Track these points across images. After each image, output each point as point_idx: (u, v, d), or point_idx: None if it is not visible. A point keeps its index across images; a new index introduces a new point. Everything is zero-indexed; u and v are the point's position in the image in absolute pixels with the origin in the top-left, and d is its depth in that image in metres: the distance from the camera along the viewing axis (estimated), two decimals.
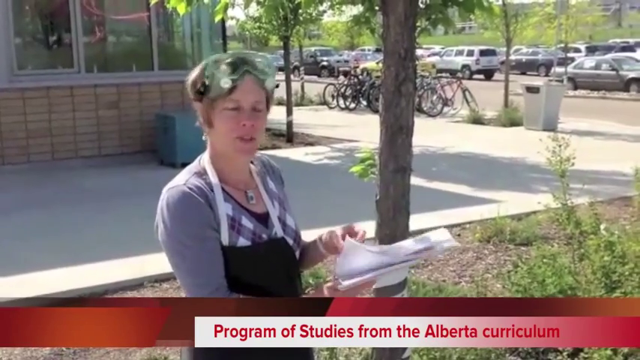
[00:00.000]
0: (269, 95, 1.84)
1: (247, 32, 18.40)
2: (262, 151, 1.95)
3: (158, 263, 5.00)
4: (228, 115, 1.77)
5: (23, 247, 6.35)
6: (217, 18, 3.47)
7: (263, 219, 1.87)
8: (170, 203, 1.76)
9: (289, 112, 13.45)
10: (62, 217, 7.42)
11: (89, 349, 4.37)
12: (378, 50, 40.67)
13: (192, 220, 1.74)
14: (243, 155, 1.83)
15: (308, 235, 2.03)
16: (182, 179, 1.81)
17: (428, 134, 12.84)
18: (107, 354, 4.35)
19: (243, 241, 1.79)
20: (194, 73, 1.83)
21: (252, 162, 1.96)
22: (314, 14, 14.32)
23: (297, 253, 1.94)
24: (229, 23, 14.34)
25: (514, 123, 15.44)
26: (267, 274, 1.82)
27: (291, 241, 1.91)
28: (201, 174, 1.83)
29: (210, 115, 1.80)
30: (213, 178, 1.82)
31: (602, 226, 4.67)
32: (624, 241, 4.33)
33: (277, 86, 1.91)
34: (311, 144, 13.31)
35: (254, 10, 14.05)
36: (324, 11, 15.09)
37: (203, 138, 1.88)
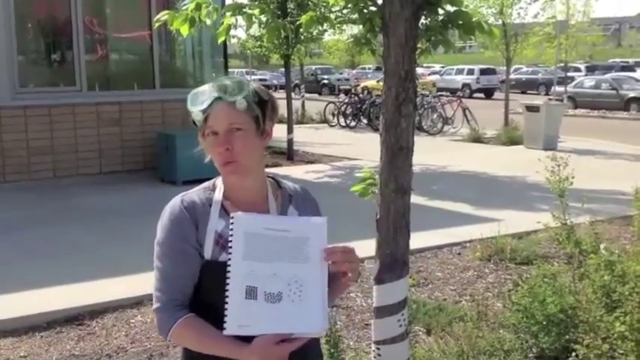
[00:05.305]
0: (252, 114, 1.80)
1: (248, 50, 18.54)
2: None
3: None
4: (208, 142, 1.83)
5: (22, 264, 6.34)
6: (220, 40, 3.50)
7: None
8: (164, 211, 1.86)
9: (290, 130, 13.49)
10: (62, 235, 7.42)
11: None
12: (378, 68, 40.90)
13: (172, 231, 1.82)
14: (230, 176, 1.85)
15: None
16: (188, 191, 1.89)
17: (428, 153, 12.87)
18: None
19: (225, 257, 1.77)
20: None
21: (280, 186, 1.96)
22: (315, 33, 14.41)
23: None
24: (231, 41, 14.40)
25: (514, 142, 15.48)
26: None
27: None
28: (209, 189, 1.89)
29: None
30: (218, 194, 1.86)
31: (602, 246, 4.68)
32: (624, 261, 4.33)
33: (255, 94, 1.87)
34: (311, 162, 13.33)
35: (255, 29, 14.16)
36: (325, 30, 15.18)
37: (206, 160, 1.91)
